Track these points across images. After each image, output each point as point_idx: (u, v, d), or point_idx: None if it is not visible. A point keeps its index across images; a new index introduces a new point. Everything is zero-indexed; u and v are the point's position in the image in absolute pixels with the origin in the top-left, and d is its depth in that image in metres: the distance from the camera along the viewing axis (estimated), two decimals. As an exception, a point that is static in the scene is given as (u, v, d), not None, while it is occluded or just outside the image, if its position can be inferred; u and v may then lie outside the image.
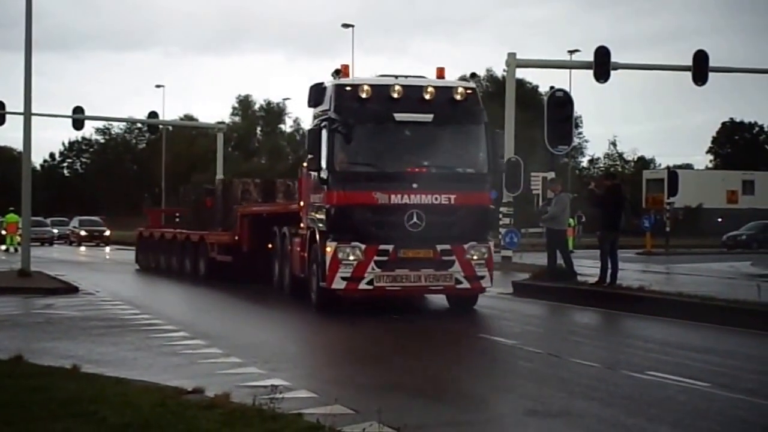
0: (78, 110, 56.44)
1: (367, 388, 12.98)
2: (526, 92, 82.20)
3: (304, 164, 22.55)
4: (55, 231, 71.07)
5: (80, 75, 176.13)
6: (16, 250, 52.06)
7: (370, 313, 21.00)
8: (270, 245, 26.73)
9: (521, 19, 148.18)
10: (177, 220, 39.85)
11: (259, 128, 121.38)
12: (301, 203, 23.30)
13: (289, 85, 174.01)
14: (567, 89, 39.04)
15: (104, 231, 69.63)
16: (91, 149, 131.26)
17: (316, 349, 17.80)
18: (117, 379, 12.71)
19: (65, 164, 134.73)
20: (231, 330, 19.13)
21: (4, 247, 55.50)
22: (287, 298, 24.56)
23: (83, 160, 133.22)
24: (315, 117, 22.43)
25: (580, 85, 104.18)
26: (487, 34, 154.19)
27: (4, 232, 58.02)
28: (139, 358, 15.51)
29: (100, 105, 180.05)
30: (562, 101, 33.48)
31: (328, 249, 20.45)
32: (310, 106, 22.54)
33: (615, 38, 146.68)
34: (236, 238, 29.33)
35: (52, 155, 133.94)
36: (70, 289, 27.82)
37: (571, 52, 61.76)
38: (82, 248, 62.82)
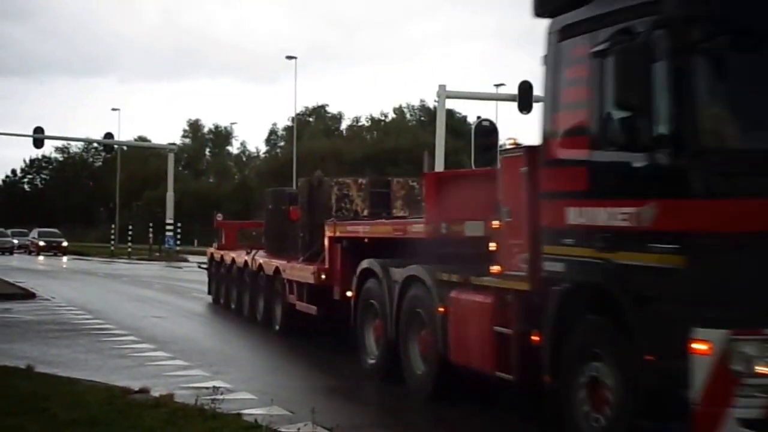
0: (38, 130, 55.77)
1: (304, 390, 12.87)
2: (456, 122, 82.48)
3: (507, 144, 12.12)
4: (16, 241, 70.45)
5: (41, 98, 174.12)
6: None
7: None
8: (371, 299, 13.96)
9: (454, 53, 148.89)
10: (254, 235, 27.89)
11: (207, 150, 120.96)
12: (496, 223, 10.45)
13: (235, 110, 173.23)
14: (493, 119, 39.24)
15: (62, 242, 69.04)
16: (51, 166, 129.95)
17: (258, 355, 17.63)
18: (68, 379, 12.53)
19: (26, 180, 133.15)
20: (178, 336, 18.89)
21: None
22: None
23: (43, 176, 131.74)
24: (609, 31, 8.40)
25: (508, 116, 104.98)
26: (421, 67, 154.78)
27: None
28: (90, 360, 15.28)
29: (59, 126, 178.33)
30: (487, 130, 33.58)
31: (701, 346, 7.43)
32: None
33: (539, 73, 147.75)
34: (321, 276, 16.36)
35: (14, 171, 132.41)
36: (27, 295, 27.39)
37: (497, 85, 62.16)
38: (41, 258, 61.97)
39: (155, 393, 11.29)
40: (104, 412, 9.95)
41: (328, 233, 16.21)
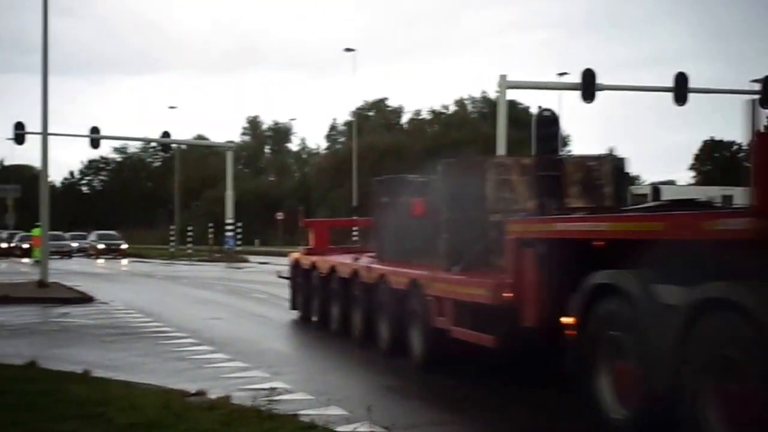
0: (94, 130, 56.61)
1: (362, 390, 12.94)
2: (519, 113, 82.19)
3: None
4: (74, 244, 71.05)
5: (98, 97, 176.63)
6: (38, 262, 52.11)
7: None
8: (612, 329, 9.85)
9: (516, 43, 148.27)
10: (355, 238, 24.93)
11: (267, 147, 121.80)
12: None
13: (295, 106, 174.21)
14: (556, 109, 39.08)
15: (121, 244, 69.57)
16: (109, 167, 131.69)
17: (317, 354, 17.73)
18: (125, 383, 12.70)
19: (84, 182, 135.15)
20: (237, 337, 19.07)
21: (32, 260, 55.45)
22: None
23: (101, 177, 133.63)
24: None
25: (570, 106, 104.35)
26: (482, 58, 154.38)
27: (27, 246, 58.26)
28: (148, 363, 15.49)
29: (116, 125, 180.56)
30: (549, 120, 33.36)
31: None
32: None
33: (603, 61, 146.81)
34: (504, 293, 11.90)
35: (71, 173, 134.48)
36: (86, 299, 27.80)
37: (560, 74, 61.80)
38: (100, 261, 62.68)
39: (212, 395, 11.43)
40: (160, 415, 10.08)
41: (514, 233, 11.85)
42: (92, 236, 72.43)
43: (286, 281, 23.03)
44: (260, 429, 9.44)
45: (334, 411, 11.01)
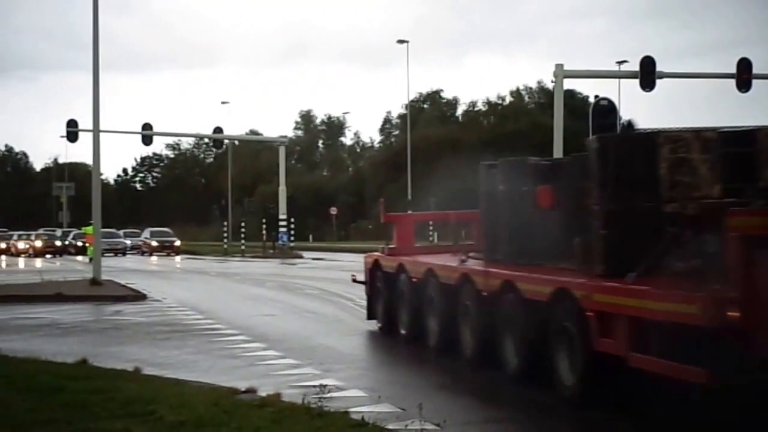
0: (146, 127, 57.08)
1: (414, 387, 12.96)
2: (578, 102, 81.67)
3: None
4: (128, 242, 71.52)
5: (150, 94, 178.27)
6: (92, 260, 52.75)
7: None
8: None
9: (573, 31, 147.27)
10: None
11: (320, 141, 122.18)
12: None
13: (348, 99, 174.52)
14: (614, 99, 38.89)
15: (175, 241, 69.82)
16: (161, 164, 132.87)
17: (369, 351, 17.79)
18: (175, 381, 12.88)
19: (137, 179, 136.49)
20: (289, 334, 19.18)
21: (86, 258, 56.05)
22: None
23: (154, 174, 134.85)
24: None
25: (632, 95, 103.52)
26: (539, 47, 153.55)
27: (81, 243, 58.98)
28: (200, 361, 15.65)
29: (169, 121, 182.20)
30: (606, 109, 33.41)
31: None
32: None
33: (663, 49, 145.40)
34: (730, 313, 9.07)
35: (124, 170, 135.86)
36: (138, 297, 28.11)
37: (619, 62, 61.32)
38: (154, 258, 63.15)
39: (262, 393, 11.54)
40: (210, 413, 10.18)
41: (741, 229, 9.18)
42: (146, 233, 72.89)
43: (361, 285, 20.48)
44: (310, 427, 9.52)
45: (386, 408, 11.07)
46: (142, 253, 69.08)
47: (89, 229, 56.07)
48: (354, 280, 21.09)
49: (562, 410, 11.29)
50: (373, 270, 19.18)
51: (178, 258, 62.32)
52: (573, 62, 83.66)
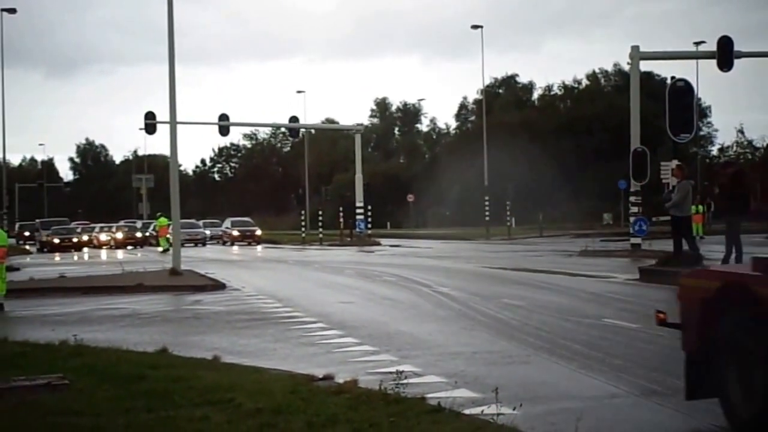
0: (223, 117, 57.65)
1: (492, 372, 12.92)
2: (656, 84, 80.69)
3: None
4: (208, 232, 72.03)
5: (227, 84, 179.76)
6: (165, 251, 53.64)
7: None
8: None
9: (651, 12, 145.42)
10: None
11: (396, 128, 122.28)
12: None
13: (423, 86, 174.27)
14: (691, 80, 38.32)
15: (256, 230, 69.58)
16: (239, 154, 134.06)
17: (447, 337, 17.76)
18: (254, 369, 13.01)
19: (215, 169, 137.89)
20: (366, 321, 19.24)
21: (160, 249, 56.81)
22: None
23: (232, 164, 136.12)
24: None
25: (709, 76, 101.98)
26: (616, 29, 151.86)
27: (154, 234, 59.85)
28: (278, 349, 15.78)
29: (245, 112, 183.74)
30: (682, 90, 32.96)
31: None
32: None
33: (741, 28, 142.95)
34: None
35: (203, 161, 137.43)
36: (218, 286, 28.40)
37: (696, 43, 60.42)
38: (235, 248, 63.38)
39: (340, 379, 11.60)
40: (288, 400, 10.27)
41: None
42: (227, 223, 73.04)
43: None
44: (387, 412, 9.55)
45: (463, 393, 11.07)
46: (224, 243, 69.36)
47: (162, 221, 57.03)
48: (663, 323, 10.31)
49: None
50: (716, 306, 9.27)
51: (259, 248, 62.40)
52: (650, 44, 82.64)
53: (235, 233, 69.24)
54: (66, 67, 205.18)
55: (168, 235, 54.52)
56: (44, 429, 9.20)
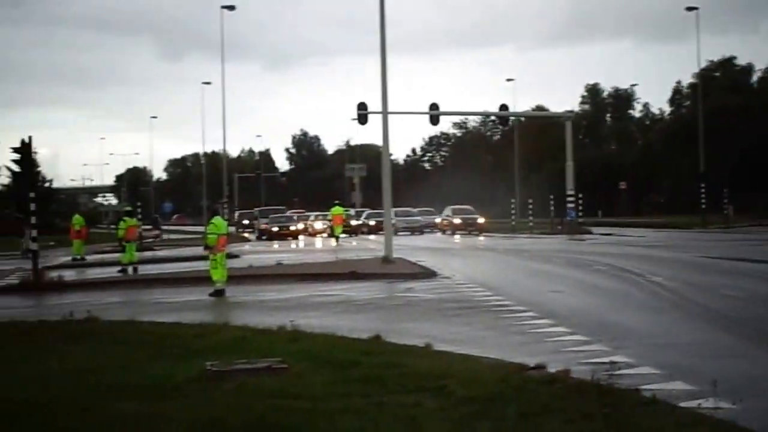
0: (433, 107, 58.03)
1: (708, 364, 12.59)
2: None
3: None
4: (421, 219, 71.30)
5: (436, 73, 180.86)
6: (337, 239, 54.47)
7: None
8: None
9: None
10: None
11: (608, 115, 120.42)
12: None
13: (636, 71, 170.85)
14: None
15: (477, 218, 67.00)
16: (449, 143, 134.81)
17: (662, 328, 17.41)
18: (465, 357, 13.08)
19: (426, 158, 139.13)
20: (578, 310, 19.05)
21: (333, 238, 57.32)
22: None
23: (442, 153, 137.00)
24: None
25: None
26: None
27: (374, 222, 60.43)
28: (489, 337, 15.82)
29: (455, 100, 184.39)
30: None
31: None
32: None
33: None
34: None
35: (413, 150, 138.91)
36: (429, 274, 28.65)
37: None
38: (456, 237, 61.39)
39: (551, 369, 11.55)
40: (499, 389, 10.30)
41: None
42: (447, 211, 71.38)
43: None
44: (600, 403, 9.46)
45: (678, 386, 10.87)
46: (443, 232, 68.03)
47: (336, 210, 58.07)
48: None
49: None
50: None
51: (481, 237, 59.71)
52: None
53: (457, 221, 67.13)
54: (282, 60, 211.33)
55: (339, 225, 56.37)
56: (265, 410, 9.51)
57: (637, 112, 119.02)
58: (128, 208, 40.47)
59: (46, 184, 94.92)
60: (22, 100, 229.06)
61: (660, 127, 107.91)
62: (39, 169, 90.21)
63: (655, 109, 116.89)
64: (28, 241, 37.39)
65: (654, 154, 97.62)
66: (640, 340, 15.02)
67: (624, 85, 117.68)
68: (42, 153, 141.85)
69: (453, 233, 64.87)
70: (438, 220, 71.60)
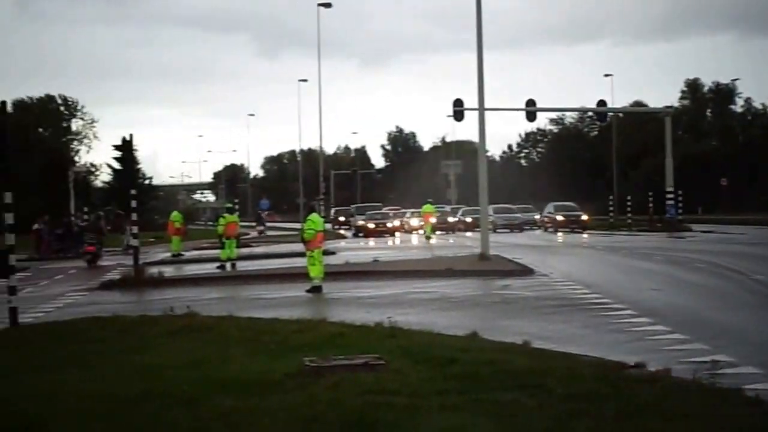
0: (530, 103, 57.62)
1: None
2: None
3: None
4: (520, 215, 70.64)
5: (533, 69, 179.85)
6: (428, 237, 54.51)
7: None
8: None
9: None
10: None
11: (708, 110, 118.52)
12: None
13: (738, 65, 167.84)
14: None
15: (581, 215, 65.20)
16: (546, 139, 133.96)
17: (765, 327, 17.13)
18: (564, 354, 13.02)
19: (522, 154, 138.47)
20: (677, 308, 18.83)
21: (425, 235, 57.33)
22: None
23: (539, 149, 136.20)
24: None
25: None
26: None
27: (470, 219, 60.36)
28: (587, 335, 15.74)
29: (552, 96, 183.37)
30: None
31: None
32: None
33: None
34: None
35: (509, 146, 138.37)
36: (525, 271, 28.55)
37: None
38: (559, 234, 60.00)
39: (651, 368, 11.45)
40: (598, 387, 10.24)
41: None
42: (549, 208, 70.14)
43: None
44: (701, 403, 9.36)
45: (783, 387, 10.67)
46: (545, 229, 67.28)
47: (427, 208, 58.19)
48: None
49: None
50: None
51: (585, 235, 58.62)
52: None
53: (560, 218, 65.59)
54: (379, 56, 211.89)
55: (428, 222, 56.90)
56: (362, 406, 9.59)
57: (738, 107, 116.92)
58: (229, 205, 40.95)
59: (147, 182, 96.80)
60: (122, 98, 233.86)
61: (763, 123, 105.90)
62: (140, 166, 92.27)
63: (757, 104, 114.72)
64: (128, 237, 38.19)
65: (756, 149, 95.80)
66: (742, 339, 14.81)
67: (725, 79, 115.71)
68: (142, 150, 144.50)
69: (555, 230, 63.81)
70: (538, 216, 70.97)
